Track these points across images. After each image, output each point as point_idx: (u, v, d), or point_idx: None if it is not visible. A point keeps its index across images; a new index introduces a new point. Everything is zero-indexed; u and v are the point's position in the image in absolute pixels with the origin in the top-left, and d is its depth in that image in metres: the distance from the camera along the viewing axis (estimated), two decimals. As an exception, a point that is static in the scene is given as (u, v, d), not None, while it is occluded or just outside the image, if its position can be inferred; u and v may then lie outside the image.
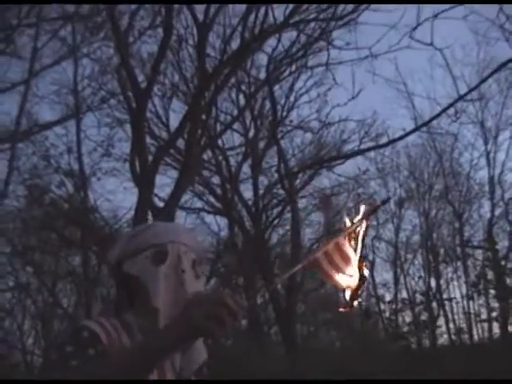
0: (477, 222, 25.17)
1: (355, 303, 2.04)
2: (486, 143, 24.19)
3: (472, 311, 23.54)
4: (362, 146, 19.88)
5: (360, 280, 2.04)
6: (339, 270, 2.09)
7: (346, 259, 2.10)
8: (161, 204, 14.94)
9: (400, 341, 20.79)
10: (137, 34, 15.37)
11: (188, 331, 1.83)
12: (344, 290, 2.06)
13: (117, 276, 2.43)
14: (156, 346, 1.88)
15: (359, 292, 2.04)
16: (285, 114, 19.91)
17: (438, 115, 17.03)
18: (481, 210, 24.99)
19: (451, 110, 17.10)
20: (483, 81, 18.20)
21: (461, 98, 16.41)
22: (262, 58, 17.96)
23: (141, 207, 12.43)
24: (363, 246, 2.10)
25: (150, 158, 13.85)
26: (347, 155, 19.26)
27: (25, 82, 14.97)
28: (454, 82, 16.43)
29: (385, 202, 2.15)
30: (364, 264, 2.06)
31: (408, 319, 24.07)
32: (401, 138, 18.12)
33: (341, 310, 2.05)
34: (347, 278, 2.06)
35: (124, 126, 17.12)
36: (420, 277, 25.24)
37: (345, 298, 2.03)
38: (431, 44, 15.57)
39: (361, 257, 2.05)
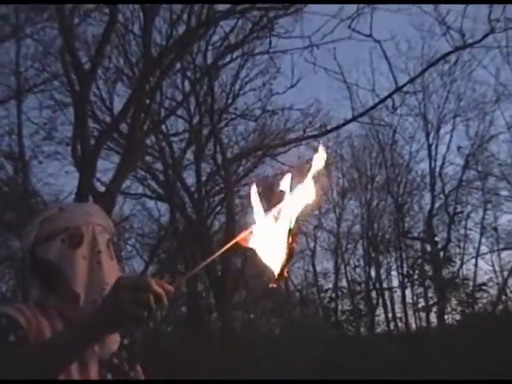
0: (417, 213, 25.51)
1: (282, 278, 2.00)
2: (427, 136, 24.47)
3: (410, 301, 23.85)
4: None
5: (288, 255, 2.00)
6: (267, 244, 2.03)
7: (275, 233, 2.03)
8: (102, 188, 14.81)
9: (337, 329, 21.01)
10: (82, 15, 15.15)
11: (115, 317, 1.78)
12: (273, 266, 2.01)
13: (31, 262, 2.36)
14: (84, 332, 1.83)
15: (286, 267, 2.00)
16: (230, 101, 19.94)
17: (375, 106, 17.27)
18: (421, 202, 25.33)
19: (391, 102, 17.34)
20: (421, 73, 18.51)
21: (398, 89, 16.65)
22: (212, 44, 17.91)
23: (82, 191, 12.30)
24: (295, 221, 2.04)
25: (93, 142, 13.71)
26: (285, 143, 19.31)
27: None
28: (392, 74, 16.57)
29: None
30: (292, 238, 2.01)
31: (347, 308, 24.35)
32: (337, 127, 18.31)
33: (271, 285, 2.04)
34: (275, 254, 2.00)
35: (67, 109, 16.91)
36: (357, 266, 25.48)
37: (273, 274, 1.99)
38: (370, 35, 15.73)
39: (290, 231, 2.01)
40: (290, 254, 2.01)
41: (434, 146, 24.31)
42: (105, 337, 1.99)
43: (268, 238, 2.01)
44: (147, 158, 18.64)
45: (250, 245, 2.00)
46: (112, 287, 1.82)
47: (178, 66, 16.93)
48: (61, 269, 2.28)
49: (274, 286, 2.03)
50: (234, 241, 1.98)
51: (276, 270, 2.00)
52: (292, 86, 18.71)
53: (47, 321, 2.19)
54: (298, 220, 2.05)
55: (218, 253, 2.04)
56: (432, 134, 24.42)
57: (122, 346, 2.42)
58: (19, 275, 17.27)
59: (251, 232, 2.00)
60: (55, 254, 2.29)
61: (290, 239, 2.01)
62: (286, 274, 2.01)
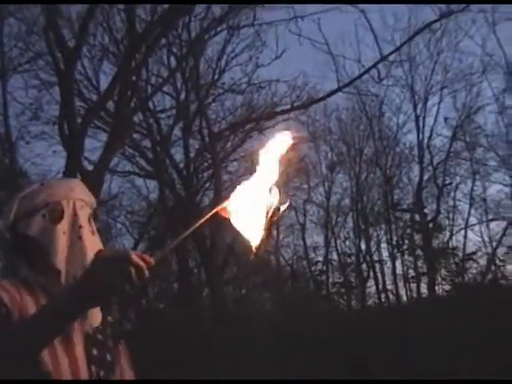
0: (406, 185, 25.55)
1: (260, 250, 2.01)
2: (415, 107, 24.49)
3: (400, 272, 23.94)
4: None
5: (267, 228, 2.00)
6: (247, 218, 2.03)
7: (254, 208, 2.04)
8: (90, 167, 14.75)
9: (328, 302, 21.10)
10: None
11: (97, 290, 1.79)
12: (251, 238, 2.02)
13: (12, 238, 2.37)
14: (67, 306, 1.84)
15: (266, 240, 2.01)
16: (216, 76, 19.86)
17: (360, 76, 17.25)
18: (410, 174, 25.36)
19: (377, 73, 17.34)
20: (405, 42, 18.50)
21: (383, 58, 16.64)
22: (195, 17, 17.80)
23: (69, 171, 12.25)
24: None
25: (80, 120, 13.64)
26: (272, 115, 19.19)
27: None
28: (377, 44, 16.58)
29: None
30: (274, 213, 2.01)
31: (338, 281, 24.43)
32: (322, 98, 18.30)
33: (252, 257, 2.05)
34: (254, 225, 2.02)
35: (53, 88, 16.80)
36: (346, 238, 25.53)
37: (251, 246, 2.00)
38: (353, 4, 15.70)
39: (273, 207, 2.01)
40: (269, 228, 2.01)
41: (421, 118, 24.36)
42: (87, 310, 1.99)
43: (247, 209, 2.02)
44: (135, 135, 18.58)
45: (230, 216, 2.01)
46: (92, 261, 1.84)
47: (164, 41, 16.83)
48: (41, 244, 2.29)
49: (253, 257, 2.05)
50: (211, 213, 2.00)
51: (254, 242, 2.00)
52: (277, 58, 18.67)
53: (31, 297, 2.20)
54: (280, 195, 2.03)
55: (196, 225, 2.02)
56: (419, 106, 24.48)
57: (107, 323, 2.43)
58: (8, 255, 17.24)
59: (229, 204, 2.01)
60: (36, 229, 2.31)
61: (272, 213, 2.01)
62: (263, 246, 2.01)
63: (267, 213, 2.01)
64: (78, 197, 2.39)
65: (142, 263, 1.79)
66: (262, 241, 2.00)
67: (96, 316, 2.31)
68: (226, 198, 2.04)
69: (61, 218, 2.32)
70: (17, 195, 2.36)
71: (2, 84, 16.26)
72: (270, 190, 2.05)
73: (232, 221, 2.02)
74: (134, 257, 1.79)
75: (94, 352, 2.28)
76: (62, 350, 2.17)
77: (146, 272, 1.81)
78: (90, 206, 2.45)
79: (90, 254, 2.23)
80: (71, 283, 1.98)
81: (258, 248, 2.00)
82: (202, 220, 2.01)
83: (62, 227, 2.31)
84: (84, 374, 2.20)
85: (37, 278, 2.26)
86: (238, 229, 2.02)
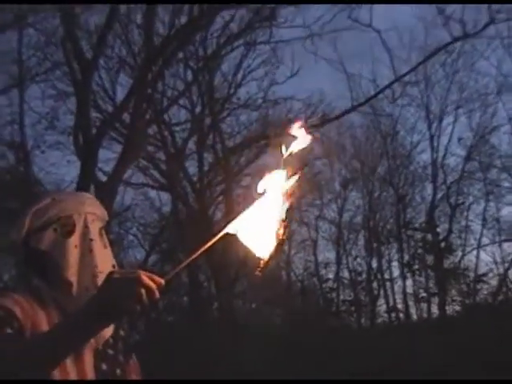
0: (419, 204, 25.48)
1: (267, 267, 2.01)
2: (429, 127, 24.45)
3: (410, 291, 23.84)
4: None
5: (277, 245, 1.99)
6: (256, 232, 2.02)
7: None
8: (104, 178, 14.82)
9: (338, 318, 21.04)
10: (84, 4, 15.12)
11: (108, 312, 1.82)
12: (259, 254, 2.00)
13: (24, 252, 2.40)
14: (78, 327, 1.86)
15: (273, 257, 2.00)
16: (232, 91, 19.93)
17: (375, 96, 17.27)
18: (423, 193, 25.31)
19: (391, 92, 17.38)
20: (420, 63, 18.49)
21: (398, 79, 16.64)
22: (211, 34, 17.90)
23: (83, 181, 12.32)
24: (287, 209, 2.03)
25: (95, 131, 13.71)
26: (286, 133, 19.20)
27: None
28: (391, 64, 16.64)
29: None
30: (284, 229, 2.00)
31: (348, 298, 24.36)
32: (337, 117, 18.34)
33: (257, 273, 2.03)
34: (263, 242, 2.00)
35: (69, 99, 16.90)
36: (358, 256, 25.46)
37: (261, 262, 2.00)
38: (370, 25, 15.72)
39: (282, 221, 2.00)
40: (280, 244, 2.00)
41: (435, 137, 24.31)
42: (98, 331, 1.98)
43: (256, 225, 2.01)
44: (149, 147, 18.64)
45: (238, 233, 2.00)
46: (103, 282, 1.85)
47: (180, 55, 16.92)
48: (53, 258, 2.31)
49: (259, 273, 2.04)
50: (221, 233, 1.99)
51: (262, 258, 2.00)
52: (292, 76, 18.76)
53: (43, 310, 2.23)
54: (288, 210, 2.02)
55: (206, 246, 2.01)
56: (434, 125, 24.42)
57: (118, 337, 2.46)
58: (20, 268, 17.30)
59: (237, 223, 2.00)
60: (48, 243, 2.33)
61: (281, 230, 2.00)
62: (270, 263, 2.01)
63: (277, 229, 2.00)
64: (89, 210, 2.42)
65: (152, 284, 1.81)
66: (270, 258, 1.99)
67: (107, 330, 2.28)
68: (235, 217, 2.01)
69: (72, 232, 2.35)
70: (28, 210, 2.38)
71: (19, 93, 16.37)
72: (280, 207, 2.04)
73: (240, 238, 2.00)
74: (145, 278, 1.80)
75: (104, 367, 2.31)
76: (71, 363, 2.19)
77: (157, 293, 1.82)
78: (102, 219, 2.48)
79: (102, 267, 2.30)
80: (83, 300, 1.96)
81: (266, 265, 2.00)
82: (212, 241, 2.00)
83: (74, 241, 2.34)
84: None
85: (49, 291, 2.30)
86: (247, 245, 2.01)
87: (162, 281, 1.85)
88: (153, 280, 1.82)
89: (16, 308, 2.14)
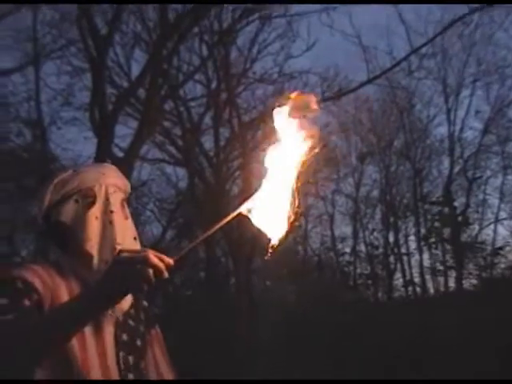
0: (436, 178, 25.39)
1: (276, 250, 1.98)
2: (446, 100, 24.30)
3: (427, 265, 23.81)
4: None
5: (287, 229, 1.97)
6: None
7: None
8: (120, 154, 14.85)
9: (354, 293, 21.07)
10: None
11: (116, 291, 1.84)
12: (271, 236, 1.99)
13: (45, 225, 2.40)
14: (90, 303, 1.87)
15: (283, 240, 1.98)
16: (247, 66, 19.86)
17: (391, 68, 17.23)
18: (440, 167, 25.20)
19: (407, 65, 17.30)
20: (437, 35, 18.31)
21: (414, 51, 16.56)
22: (226, 8, 17.81)
23: (100, 157, 12.34)
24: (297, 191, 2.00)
25: (111, 107, 13.73)
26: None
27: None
28: (407, 37, 16.54)
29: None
30: (295, 215, 1.96)
31: (365, 272, 24.37)
32: (353, 90, 18.27)
33: (268, 256, 2.00)
34: (274, 224, 1.98)
35: (84, 75, 16.91)
36: (374, 230, 25.43)
37: (271, 243, 1.98)
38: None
39: (293, 206, 1.97)
40: (290, 229, 1.98)
41: (452, 111, 24.17)
42: (105, 309, 2.04)
43: (268, 206, 1.99)
44: (165, 123, 18.64)
45: (250, 214, 1.98)
46: (111, 262, 1.87)
47: (196, 30, 16.87)
48: (74, 230, 2.31)
49: (268, 256, 2.00)
50: (233, 214, 1.98)
51: (273, 241, 1.98)
52: (308, 49, 18.65)
53: (63, 280, 2.25)
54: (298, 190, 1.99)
55: (217, 226, 2.00)
56: (451, 99, 24.25)
57: (140, 308, 2.48)
58: (40, 240, 17.39)
59: (250, 203, 1.98)
60: (69, 215, 2.33)
61: (293, 215, 1.98)
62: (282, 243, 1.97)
63: (288, 214, 1.98)
64: (111, 181, 2.42)
65: (160, 264, 1.82)
66: (280, 242, 1.98)
67: (125, 301, 2.32)
68: (248, 197, 2.00)
69: (93, 204, 2.34)
70: (50, 182, 2.37)
71: (35, 70, 16.39)
72: (292, 188, 2.02)
73: (252, 219, 1.99)
74: (153, 258, 1.81)
75: (124, 337, 2.32)
76: (91, 334, 2.20)
77: (165, 273, 1.84)
78: (124, 190, 2.48)
79: (121, 239, 2.31)
80: (93, 284, 1.96)
81: (275, 248, 1.98)
82: (225, 221, 1.99)
83: (95, 212, 2.33)
84: (111, 360, 2.25)
85: (70, 263, 2.30)
86: (259, 226, 2.00)
87: (171, 261, 1.86)
88: (161, 260, 1.83)
89: (35, 279, 2.15)
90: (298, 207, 1.98)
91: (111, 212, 2.35)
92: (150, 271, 1.80)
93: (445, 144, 24.54)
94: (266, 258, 1.97)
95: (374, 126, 25.40)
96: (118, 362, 2.26)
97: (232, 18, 17.69)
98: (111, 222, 2.33)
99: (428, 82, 24.23)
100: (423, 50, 17.55)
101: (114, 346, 2.27)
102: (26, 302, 2.07)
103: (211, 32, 18.33)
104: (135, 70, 17.32)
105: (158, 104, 13.89)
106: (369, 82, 17.44)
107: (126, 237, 2.35)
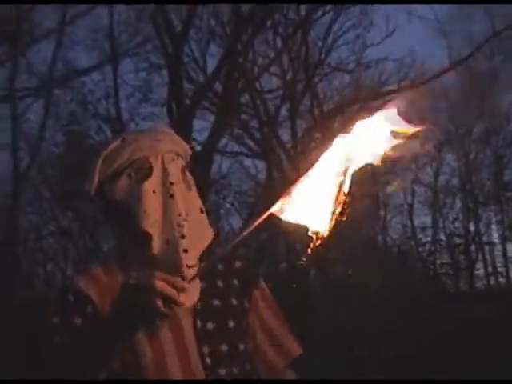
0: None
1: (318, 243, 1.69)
2: (529, 82, 23.77)
3: (511, 255, 23.41)
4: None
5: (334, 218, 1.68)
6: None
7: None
8: (199, 148, 14.99)
9: (437, 282, 20.79)
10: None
11: (129, 319, 1.69)
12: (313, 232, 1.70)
13: (101, 205, 2.11)
14: (112, 327, 1.73)
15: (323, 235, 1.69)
16: (323, 56, 19.80)
17: (471, 54, 16.87)
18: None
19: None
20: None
21: (495, 35, 16.23)
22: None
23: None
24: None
25: (188, 102, 13.87)
26: (381, 95, 18.99)
27: (59, 28, 15.07)
28: (491, 20, 16.18)
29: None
30: (343, 206, 1.68)
31: (446, 262, 24.07)
32: (433, 78, 17.97)
33: (304, 258, 1.75)
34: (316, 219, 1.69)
35: (161, 71, 17.13)
36: (455, 219, 25.04)
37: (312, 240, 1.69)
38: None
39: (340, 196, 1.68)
40: (336, 223, 1.69)
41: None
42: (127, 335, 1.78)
43: (306, 202, 1.71)
44: (242, 116, 18.74)
45: (283, 213, 1.70)
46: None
47: (269, 22, 16.88)
48: (130, 207, 2.00)
49: (308, 255, 1.79)
50: (265, 214, 1.71)
51: (317, 231, 1.69)
52: (387, 37, 18.51)
53: (124, 273, 1.96)
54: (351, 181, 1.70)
55: (246, 231, 1.74)
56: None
57: (229, 275, 2.17)
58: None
59: (284, 202, 1.70)
60: (122, 191, 2.02)
61: (338, 208, 1.68)
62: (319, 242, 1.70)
63: (333, 207, 1.69)
64: (167, 148, 2.05)
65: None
66: (323, 237, 1.69)
67: (185, 297, 1.80)
68: (283, 196, 1.71)
69: (148, 176, 1.99)
70: (98, 157, 2.06)
71: (113, 68, 16.64)
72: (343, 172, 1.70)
73: (286, 217, 1.71)
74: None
75: (209, 326, 2.03)
76: (166, 335, 1.97)
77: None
78: (183, 156, 2.12)
79: (185, 215, 1.98)
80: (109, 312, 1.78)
81: (317, 246, 1.69)
82: (254, 224, 1.73)
83: (151, 185, 1.99)
84: (194, 358, 1.99)
85: (134, 249, 2.02)
86: (296, 221, 1.71)
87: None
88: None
89: (91, 289, 1.96)
90: (345, 197, 1.69)
91: (171, 184, 2.00)
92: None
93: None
94: (302, 260, 1.77)
95: (451, 113, 25.04)
96: (202, 360, 1.98)
97: (306, 9, 17.65)
98: (172, 195, 1.98)
99: (509, 66, 23.73)
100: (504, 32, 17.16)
101: (196, 341, 1.99)
102: (76, 320, 1.93)
103: (285, 24, 18.33)
104: (211, 65, 17.46)
105: (234, 97, 13.95)
106: (450, 68, 17.22)
107: (192, 210, 2.03)
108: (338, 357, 11.61)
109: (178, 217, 1.97)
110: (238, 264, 2.20)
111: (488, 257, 24.29)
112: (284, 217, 1.70)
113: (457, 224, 24.80)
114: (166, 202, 1.98)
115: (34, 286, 18.69)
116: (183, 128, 12.89)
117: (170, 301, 1.63)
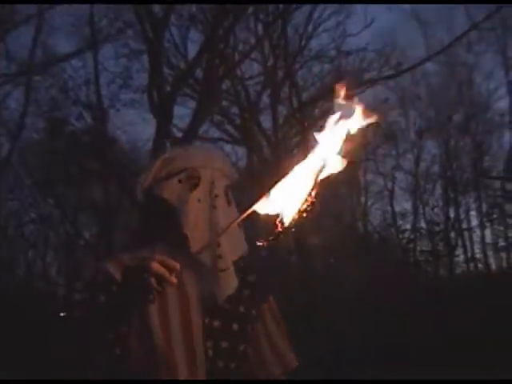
0: (497, 152, 25.07)
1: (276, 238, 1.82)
2: (507, 73, 23.93)
3: (489, 241, 23.56)
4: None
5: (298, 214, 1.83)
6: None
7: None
8: (179, 134, 14.97)
9: (416, 269, 20.93)
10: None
11: (130, 300, 1.93)
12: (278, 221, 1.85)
13: (146, 200, 2.37)
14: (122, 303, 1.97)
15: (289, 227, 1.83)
16: (303, 43, 19.79)
17: (450, 45, 16.96)
18: (501, 141, 24.87)
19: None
20: (498, 9, 17.92)
21: (474, 26, 16.32)
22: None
23: (159, 138, 12.48)
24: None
25: (169, 88, 13.83)
26: (361, 83, 19.01)
27: (39, 14, 14.97)
28: (466, 11, 16.30)
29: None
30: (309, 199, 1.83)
31: (426, 249, 24.19)
32: (412, 67, 18.04)
33: (259, 243, 1.83)
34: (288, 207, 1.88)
35: (141, 57, 17.05)
36: (435, 206, 25.19)
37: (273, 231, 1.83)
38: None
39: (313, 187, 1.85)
40: (298, 219, 1.83)
41: (513, 83, 23.78)
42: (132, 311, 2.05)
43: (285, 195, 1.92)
44: (223, 102, 18.71)
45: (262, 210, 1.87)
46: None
47: (251, 9, 16.85)
48: (174, 207, 2.27)
49: (264, 243, 1.84)
50: (249, 209, 1.87)
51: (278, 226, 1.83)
52: (367, 27, 18.51)
53: None
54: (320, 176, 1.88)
55: (231, 223, 1.96)
56: (512, 72, 23.87)
57: (243, 286, 2.38)
58: (102, 221, 17.64)
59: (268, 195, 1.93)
60: (171, 193, 2.29)
61: (304, 205, 1.84)
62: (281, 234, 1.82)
63: (301, 204, 1.86)
64: (218, 166, 2.36)
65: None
66: (283, 229, 1.83)
67: (219, 289, 2.24)
68: (266, 192, 1.95)
69: (196, 185, 2.29)
70: (158, 158, 2.37)
71: (93, 54, 16.55)
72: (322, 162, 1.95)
73: (260, 210, 1.88)
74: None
75: (216, 324, 2.26)
76: (177, 324, 2.20)
77: (171, 279, 1.85)
78: (229, 177, 2.42)
79: (223, 225, 2.19)
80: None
81: (277, 236, 1.82)
82: (239, 218, 1.91)
83: (197, 194, 2.28)
84: (198, 348, 2.21)
85: (167, 246, 2.21)
86: (273, 212, 1.88)
87: (177, 265, 1.86)
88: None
89: (115, 271, 2.16)
90: (312, 199, 1.86)
91: (216, 196, 2.30)
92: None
93: (506, 117, 24.18)
94: (260, 244, 1.82)
95: (432, 100, 25.14)
96: (205, 351, 2.22)
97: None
98: (215, 207, 2.27)
99: (488, 56, 23.90)
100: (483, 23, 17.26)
101: (203, 334, 2.22)
102: (101, 298, 2.13)
103: (266, 11, 18.30)
104: (192, 51, 17.42)
105: (215, 84, 13.92)
106: (429, 59, 17.27)
107: (228, 223, 2.14)
108: (319, 343, 11.69)
109: (217, 226, 2.23)
110: (251, 278, 2.44)
111: (468, 243, 24.41)
112: (261, 211, 1.88)
113: (437, 210, 24.98)
114: (209, 212, 2.26)
115: (15, 273, 18.69)
116: (164, 114, 12.87)
117: (162, 278, 1.84)
